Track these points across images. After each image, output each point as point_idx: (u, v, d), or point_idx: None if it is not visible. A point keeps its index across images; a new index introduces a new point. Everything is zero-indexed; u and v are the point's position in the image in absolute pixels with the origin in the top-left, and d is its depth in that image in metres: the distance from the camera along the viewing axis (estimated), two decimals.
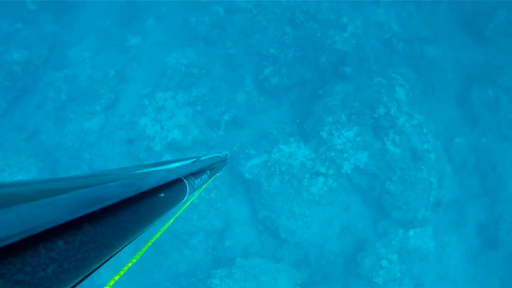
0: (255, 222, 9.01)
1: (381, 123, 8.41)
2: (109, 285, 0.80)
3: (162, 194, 0.90)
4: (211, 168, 1.65)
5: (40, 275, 0.40)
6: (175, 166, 1.06)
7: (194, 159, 1.33)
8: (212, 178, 1.66)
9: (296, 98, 9.74)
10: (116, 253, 0.63)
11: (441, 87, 9.89)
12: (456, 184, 9.46)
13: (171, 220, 1.37)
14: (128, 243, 0.68)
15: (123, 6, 10.78)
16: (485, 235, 9.18)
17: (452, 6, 10.34)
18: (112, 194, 0.58)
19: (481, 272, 9.14)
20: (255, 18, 10.10)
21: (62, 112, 9.75)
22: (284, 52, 9.74)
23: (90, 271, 0.54)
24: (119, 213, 0.64)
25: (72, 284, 0.48)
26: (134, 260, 0.98)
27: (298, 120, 9.41)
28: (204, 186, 1.50)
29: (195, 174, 1.35)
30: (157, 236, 1.11)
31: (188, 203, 1.42)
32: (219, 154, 1.95)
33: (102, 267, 0.59)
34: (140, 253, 1.00)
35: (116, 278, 0.88)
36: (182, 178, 1.15)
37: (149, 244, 1.05)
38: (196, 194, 1.48)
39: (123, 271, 0.91)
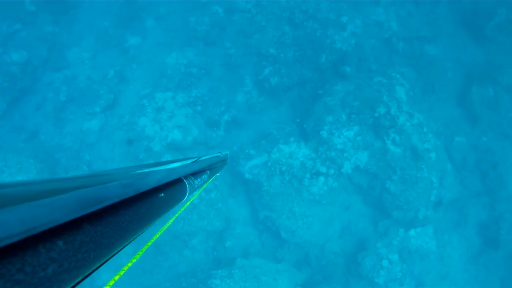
0: (256, 222, 9.01)
1: (382, 123, 8.41)
2: (109, 285, 0.80)
3: (162, 194, 0.90)
4: (211, 168, 1.65)
5: (40, 275, 0.40)
6: (175, 166, 1.06)
7: (194, 159, 1.33)
8: (212, 178, 1.66)
9: (296, 97, 9.74)
10: (116, 253, 0.63)
11: (441, 86, 9.90)
12: (456, 183, 9.46)
13: (171, 220, 1.37)
14: (128, 243, 0.68)
15: (122, 7, 10.79)
16: (486, 234, 9.18)
17: (452, 5, 10.34)
18: (112, 194, 0.58)
19: (482, 271, 9.14)
20: (255, 18, 10.10)
21: (62, 113, 9.75)
22: (283, 52, 9.74)
23: (90, 271, 0.54)
24: (119, 213, 0.64)
25: (72, 284, 0.48)
26: (134, 260, 0.98)
27: (298, 120, 9.41)
28: (204, 186, 1.50)
29: (195, 174, 1.35)
30: (157, 236, 1.11)
31: (188, 203, 1.42)
32: (219, 154, 1.95)
33: (102, 267, 0.59)
34: (140, 253, 1.00)
35: (116, 278, 0.88)
36: (182, 178, 1.15)
37: (149, 244, 1.05)
38: (196, 194, 1.48)
39: (123, 271, 0.91)
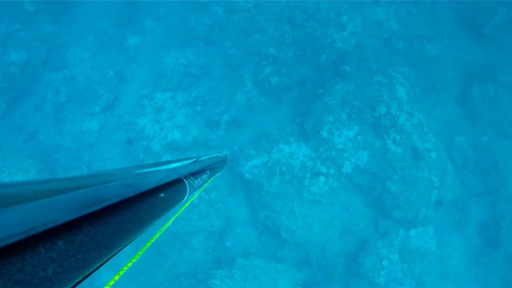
0: (256, 222, 9.01)
1: (382, 122, 8.40)
2: (109, 285, 0.80)
3: (162, 194, 0.90)
4: (211, 168, 1.65)
5: (40, 275, 0.40)
6: (175, 166, 1.06)
7: (194, 159, 1.33)
8: (212, 178, 1.66)
9: (296, 97, 9.73)
10: (116, 253, 0.63)
11: (442, 86, 9.90)
12: (457, 183, 9.45)
13: (171, 220, 1.37)
14: (128, 243, 0.68)
15: (122, 7, 10.78)
16: (487, 234, 9.18)
17: (452, 4, 10.34)
18: (112, 194, 0.58)
19: (482, 271, 9.13)
20: (254, 18, 10.10)
21: (61, 113, 9.75)
22: (283, 52, 9.74)
23: (90, 271, 0.54)
24: (119, 213, 0.63)
25: (72, 284, 0.48)
26: (134, 261, 0.98)
27: (298, 120, 9.40)
28: (204, 186, 1.50)
29: (195, 174, 1.35)
30: (157, 236, 1.11)
31: (188, 203, 1.42)
32: (219, 154, 1.95)
33: (102, 267, 0.59)
34: (140, 253, 1.00)
35: (116, 278, 0.88)
36: (182, 178, 1.15)
37: (149, 244, 1.05)
38: (196, 194, 1.48)
39: (123, 272, 0.91)
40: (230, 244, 8.78)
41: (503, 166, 9.35)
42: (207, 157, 1.59)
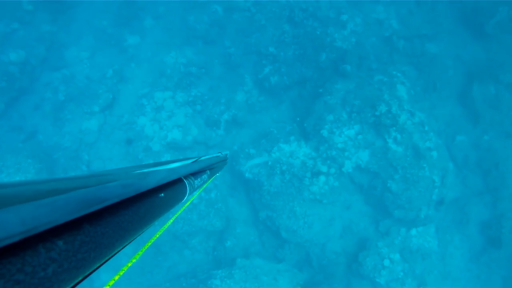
0: (256, 222, 9.01)
1: (383, 121, 8.40)
2: (108, 285, 0.80)
3: (162, 194, 0.89)
4: (211, 168, 1.65)
5: (40, 275, 0.40)
6: (175, 166, 1.06)
7: (194, 159, 1.33)
8: (212, 178, 1.66)
9: (296, 96, 9.73)
10: (116, 253, 0.63)
11: (442, 85, 9.88)
12: (458, 182, 9.45)
13: (171, 220, 1.37)
14: (128, 243, 0.68)
15: (121, 6, 10.77)
16: (488, 233, 9.17)
17: (453, 3, 10.32)
18: (112, 194, 0.58)
19: (484, 271, 9.13)
20: (254, 17, 10.09)
21: (60, 113, 9.74)
22: (283, 51, 9.73)
23: (90, 271, 0.54)
24: (119, 213, 0.63)
25: (72, 284, 0.48)
26: (133, 261, 0.98)
27: (298, 119, 9.40)
28: (204, 186, 1.50)
29: (195, 174, 1.35)
30: (157, 236, 1.11)
31: (188, 203, 1.42)
32: (219, 154, 1.95)
33: (101, 267, 0.59)
34: (140, 253, 1.00)
35: (116, 278, 0.88)
36: (182, 178, 1.15)
37: (149, 244, 1.05)
38: (196, 194, 1.48)
39: (123, 272, 0.91)
40: (230, 244, 8.79)
41: (504, 165, 9.34)
42: (207, 157, 1.59)
